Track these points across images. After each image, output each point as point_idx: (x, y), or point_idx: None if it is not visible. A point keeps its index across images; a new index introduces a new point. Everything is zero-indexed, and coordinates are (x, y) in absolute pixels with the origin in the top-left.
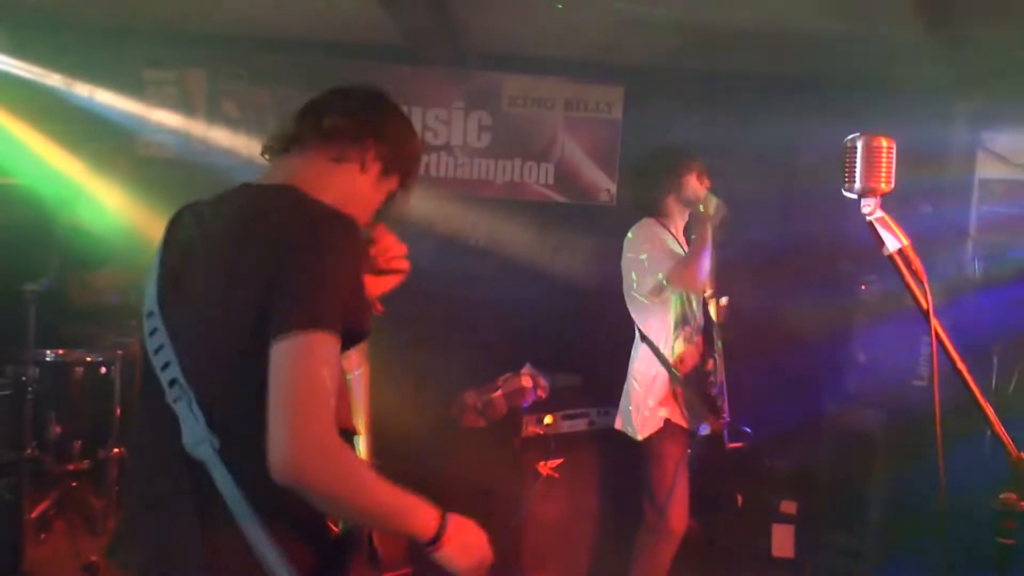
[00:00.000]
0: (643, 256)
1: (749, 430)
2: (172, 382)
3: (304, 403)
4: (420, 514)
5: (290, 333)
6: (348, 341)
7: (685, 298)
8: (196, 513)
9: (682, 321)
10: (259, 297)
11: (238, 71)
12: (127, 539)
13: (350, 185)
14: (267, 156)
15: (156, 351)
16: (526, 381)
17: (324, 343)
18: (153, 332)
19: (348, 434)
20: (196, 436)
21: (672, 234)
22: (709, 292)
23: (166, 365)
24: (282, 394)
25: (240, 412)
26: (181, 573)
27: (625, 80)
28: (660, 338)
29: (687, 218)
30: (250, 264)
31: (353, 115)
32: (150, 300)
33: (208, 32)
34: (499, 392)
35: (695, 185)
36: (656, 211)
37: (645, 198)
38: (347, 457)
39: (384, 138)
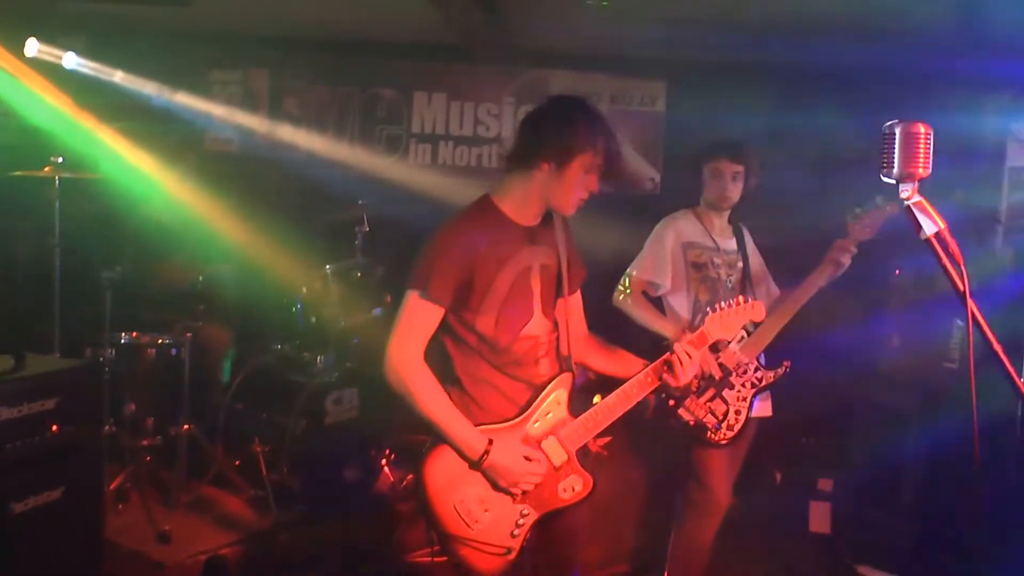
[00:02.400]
0: (645, 246)
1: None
2: None
3: (392, 334)
4: (462, 441)
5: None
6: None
7: (710, 285)
8: None
9: (703, 309)
10: None
11: (299, 71)
12: None
13: (539, 184)
14: None
15: None
16: None
17: (412, 298)
18: None
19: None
20: None
21: (706, 227)
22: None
23: None
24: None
25: None
26: None
27: (668, 74)
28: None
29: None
30: None
31: (521, 139)
32: None
33: (271, 35)
34: None
35: (715, 184)
36: (696, 202)
37: (688, 189)
38: (407, 374)
39: (542, 145)
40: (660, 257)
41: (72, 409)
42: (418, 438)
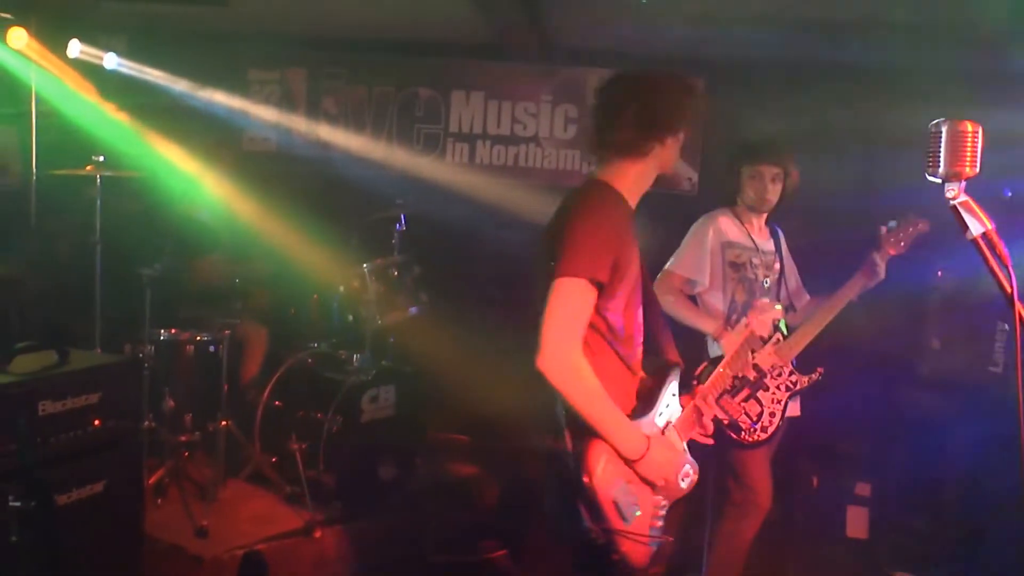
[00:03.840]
0: (683, 243)
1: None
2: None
3: (551, 325)
4: (625, 439)
5: (556, 278)
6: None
7: (747, 285)
8: None
9: (738, 309)
10: (554, 253)
11: (337, 70)
12: None
13: (655, 161)
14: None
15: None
16: None
17: (575, 285)
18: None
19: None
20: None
21: (745, 227)
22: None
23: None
24: (544, 317)
25: None
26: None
27: (705, 72)
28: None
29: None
30: (554, 229)
31: (631, 120)
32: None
33: (308, 34)
34: None
35: (754, 187)
36: (733, 202)
37: (725, 189)
38: (573, 368)
39: (663, 117)
40: (700, 255)
41: (113, 404)
42: (455, 437)
